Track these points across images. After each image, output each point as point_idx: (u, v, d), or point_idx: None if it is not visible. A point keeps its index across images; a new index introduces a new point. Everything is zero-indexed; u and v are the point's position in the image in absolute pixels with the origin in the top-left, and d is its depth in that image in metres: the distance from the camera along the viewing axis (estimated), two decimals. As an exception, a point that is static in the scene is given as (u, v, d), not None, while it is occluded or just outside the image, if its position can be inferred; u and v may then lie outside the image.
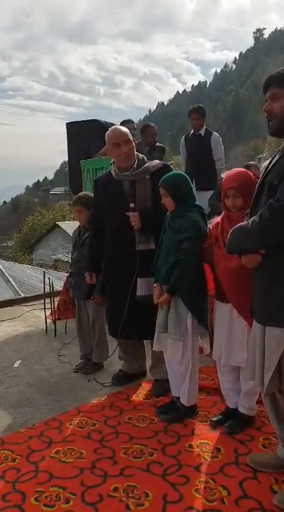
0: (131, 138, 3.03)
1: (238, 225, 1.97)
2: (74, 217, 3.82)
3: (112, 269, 3.19)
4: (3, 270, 16.63)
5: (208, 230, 2.66)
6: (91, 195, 3.76)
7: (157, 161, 3.12)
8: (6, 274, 16.15)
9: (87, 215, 3.62)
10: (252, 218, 1.89)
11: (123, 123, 4.91)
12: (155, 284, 2.82)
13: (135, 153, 3.09)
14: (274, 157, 1.97)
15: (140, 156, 3.12)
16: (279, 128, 1.90)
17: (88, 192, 4.02)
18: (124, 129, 3.11)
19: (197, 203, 2.78)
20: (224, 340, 2.55)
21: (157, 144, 5.65)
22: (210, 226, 2.68)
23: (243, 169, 2.63)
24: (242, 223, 1.96)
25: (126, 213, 2.93)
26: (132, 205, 2.94)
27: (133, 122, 5.23)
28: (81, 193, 3.81)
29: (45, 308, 5.05)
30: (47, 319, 4.97)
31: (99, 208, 3.24)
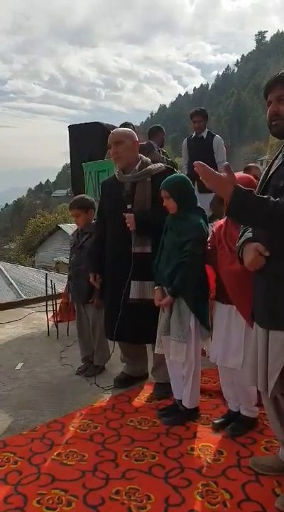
0: (125, 139, 3.02)
1: (250, 190, 1.76)
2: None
3: (109, 270, 3.19)
4: (5, 272, 16.64)
5: (211, 232, 2.66)
6: (89, 198, 3.77)
7: (160, 164, 3.14)
8: (8, 276, 16.16)
9: (84, 217, 3.62)
10: (267, 197, 1.76)
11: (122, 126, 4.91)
12: (155, 287, 2.82)
13: (139, 155, 3.10)
14: (275, 159, 1.97)
15: (145, 158, 3.12)
16: None
17: (85, 195, 4.01)
18: (121, 130, 3.15)
19: (199, 205, 2.79)
20: (221, 342, 2.56)
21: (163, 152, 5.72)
22: (213, 229, 2.68)
23: (245, 174, 2.64)
24: (256, 195, 1.78)
25: (123, 214, 2.94)
26: (129, 206, 2.96)
27: (129, 124, 5.22)
28: (77, 197, 3.80)
29: (47, 311, 5.05)
30: (49, 321, 4.97)
31: (103, 209, 3.26)
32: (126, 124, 4.66)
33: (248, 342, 2.26)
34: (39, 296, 7.22)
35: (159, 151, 5.70)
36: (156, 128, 5.69)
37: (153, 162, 3.14)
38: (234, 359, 2.51)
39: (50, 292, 5.08)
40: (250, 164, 4.99)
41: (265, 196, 1.78)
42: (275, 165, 1.95)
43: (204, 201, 3.42)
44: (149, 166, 3.05)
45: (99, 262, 3.28)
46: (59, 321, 4.94)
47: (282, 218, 1.73)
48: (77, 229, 3.80)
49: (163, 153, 5.79)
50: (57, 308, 5.16)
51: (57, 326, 4.79)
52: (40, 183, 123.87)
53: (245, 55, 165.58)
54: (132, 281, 2.97)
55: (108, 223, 3.19)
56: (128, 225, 2.93)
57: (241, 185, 1.76)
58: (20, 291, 14.08)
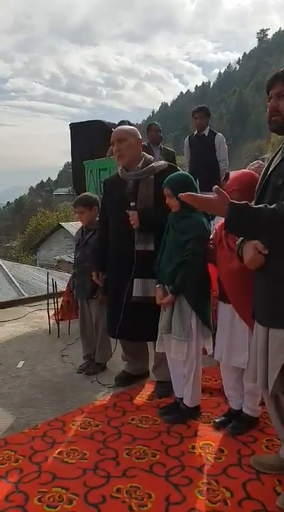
0: (128, 136, 3.02)
1: (244, 204, 1.75)
2: (78, 217, 3.83)
3: (112, 268, 3.19)
4: (7, 271, 16.68)
5: (214, 231, 2.66)
6: (93, 195, 3.78)
7: (163, 162, 3.14)
8: (10, 274, 16.20)
9: (89, 215, 3.62)
10: (263, 206, 1.76)
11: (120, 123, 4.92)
12: (157, 285, 2.81)
13: (142, 153, 3.11)
14: (275, 157, 1.97)
15: (148, 156, 3.13)
16: (282, 125, 1.88)
17: (89, 193, 4.02)
18: (124, 128, 3.16)
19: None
20: (225, 341, 2.56)
21: (166, 147, 5.74)
22: (215, 226, 2.68)
23: (247, 170, 2.63)
24: (251, 206, 1.78)
25: (126, 211, 2.94)
26: (132, 204, 2.95)
27: (125, 122, 5.23)
28: (81, 194, 3.81)
29: (48, 309, 5.05)
30: (51, 320, 4.97)
31: (105, 207, 3.27)
32: (122, 122, 4.67)
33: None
34: (40, 294, 7.22)
35: (160, 148, 5.72)
36: (149, 125, 5.76)
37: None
38: (240, 358, 2.50)
39: (51, 290, 5.08)
40: (255, 165, 4.93)
41: (261, 206, 1.77)
42: (274, 163, 1.96)
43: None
44: (152, 164, 3.05)
45: (102, 260, 3.29)
46: (61, 320, 4.93)
47: (281, 226, 1.72)
48: (82, 226, 3.80)
49: (168, 152, 5.81)
50: (59, 307, 5.16)
51: (58, 325, 4.78)
52: (42, 181, 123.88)
53: (247, 53, 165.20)
54: (135, 279, 2.97)
55: (110, 221, 3.19)
56: (132, 222, 2.92)
57: (235, 202, 1.75)
58: (21, 290, 14.11)
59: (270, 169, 1.95)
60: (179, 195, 1.82)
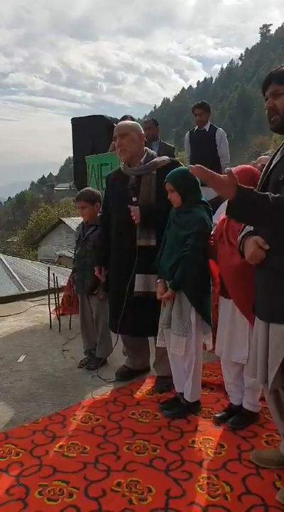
0: (130, 131, 3.02)
1: (251, 189, 1.76)
2: (79, 212, 3.82)
3: (114, 263, 3.19)
4: (8, 266, 16.71)
5: (215, 226, 2.66)
6: (95, 190, 3.77)
7: (165, 157, 3.12)
8: (11, 269, 16.23)
9: (90, 210, 3.62)
10: (268, 194, 1.77)
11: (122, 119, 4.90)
12: (158, 280, 2.82)
13: (145, 148, 3.11)
14: (276, 154, 1.97)
15: (150, 151, 3.13)
16: (282, 124, 1.89)
17: (91, 188, 4.02)
18: (126, 122, 3.16)
19: (203, 198, 2.78)
20: (226, 336, 2.56)
21: (165, 142, 5.69)
22: (216, 221, 2.67)
23: (247, 166, 2.62)
24: (257, 192, 1.79)
25: (128, 206, 2.93)
26: (134, 199, 2.95)
27: (127, 117, 5.19)
28: (84, 189, 3.80)
29: (49, 304, 5.06)
30: (52, 314, 4.98)
31: (107, 202, 3.27)
32: (125, 117, 4.64)
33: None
34: (41, 289, 7.23)
35: (159, 143, 5.69)
36: (143, 123, 5.72)
37: None
38: (240, 353, 2.51)
39: (52, 285, 5.09)
40: (262, 161, 4.90)
41: (266, 193, 1.78)
42: (275, 159, 1.96)
43: (208, 194, 3.41)
44: (154, 159, 3.05)
45: (103, 256, 3.29)
46: (62, 314, 4.94)
47: (282, 214, 1.73)
48: (82, 222, 3.80)
49: (168, 147, 5.79)
50: (60, 302, 5.17)
51: (59, 319, 4.79)
52: (43, 176, 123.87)
53: (249, 48, 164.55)
54: (136, 275, 2.97)
55: (112, 216, 3.19)
56: (134, 217, 2.92)
57: (242, 185, 1.74)
58: (22, 285, 14.13)
59: (272, 166, 1.95)
60: (189, 166, 1.80)
